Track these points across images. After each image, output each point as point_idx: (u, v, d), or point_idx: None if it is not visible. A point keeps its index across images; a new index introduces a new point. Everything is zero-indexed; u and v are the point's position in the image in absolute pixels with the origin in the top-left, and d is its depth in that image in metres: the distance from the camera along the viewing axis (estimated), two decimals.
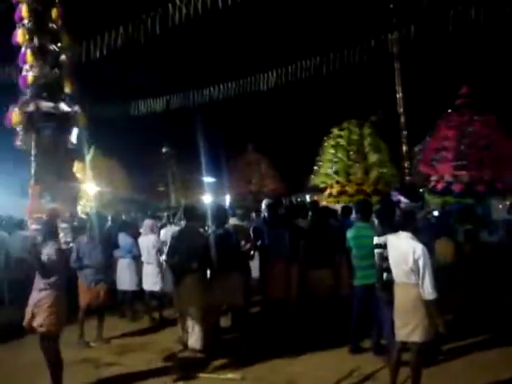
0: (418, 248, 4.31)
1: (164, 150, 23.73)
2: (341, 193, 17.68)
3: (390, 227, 4.89)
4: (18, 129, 9.71)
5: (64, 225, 8.57)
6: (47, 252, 4.98)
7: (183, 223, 6.91)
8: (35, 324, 4.93)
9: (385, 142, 19.54)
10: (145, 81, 22.66)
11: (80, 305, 6.93)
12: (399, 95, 19.53)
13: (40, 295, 4.94)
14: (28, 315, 4.97)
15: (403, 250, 4.39)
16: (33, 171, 9.77)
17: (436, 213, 11.34)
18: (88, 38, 10.94)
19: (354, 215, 8.26)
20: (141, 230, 8.74)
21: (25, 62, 9.42)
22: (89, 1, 9.46)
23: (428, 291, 4.25)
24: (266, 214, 7.81)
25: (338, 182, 18.16)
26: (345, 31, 19.33)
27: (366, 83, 22.52)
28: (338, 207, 10.68)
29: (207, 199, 22.66)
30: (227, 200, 25.11)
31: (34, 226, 9.02)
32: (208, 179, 24.93)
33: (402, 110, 19.49)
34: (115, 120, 12.99)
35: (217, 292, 6.26)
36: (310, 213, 8.41)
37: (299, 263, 6.87)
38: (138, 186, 20.06)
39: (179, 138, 24.28)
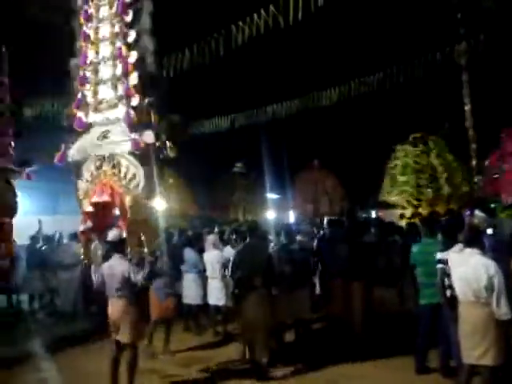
0: (491, 265, 4.15)
1: (238, 165, 24.09)
2: (414, 215, 17.02)
3: (456, 243, 4.72)
4: None
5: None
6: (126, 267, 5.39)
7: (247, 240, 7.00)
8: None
9: (455, 157, 18.82)
10: (210, 101, 23.28)
11: (151, 317, 7.18)
12: (467, 108, 18.91)
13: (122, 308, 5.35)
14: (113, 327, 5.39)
15: (473, 267, 4.23)
16: None
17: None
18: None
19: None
20: (205, 245, 8.98)
21: None
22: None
23: (504, 311, 4.08)
24: (326, 231, 7.81)
25: (408, 202, 17.49)
26: (410, 43, 18.97)
27: (433, 96, 21.90)
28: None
29: (271, 215, 22.81)
30: (291, 217, 25.12)
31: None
32: (272, 196, 25.07)
33: (470, 123, 18.85)
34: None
35: (284, 307, 6.34)
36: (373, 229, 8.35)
37: (364, 280, 6.77)
38: (205, 203, 20.54)
39: (245, 155, 24.68)
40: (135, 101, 9.27)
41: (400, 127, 20.16)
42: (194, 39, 12.88)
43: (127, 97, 9.34)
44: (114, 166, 9.37)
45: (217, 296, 8.22)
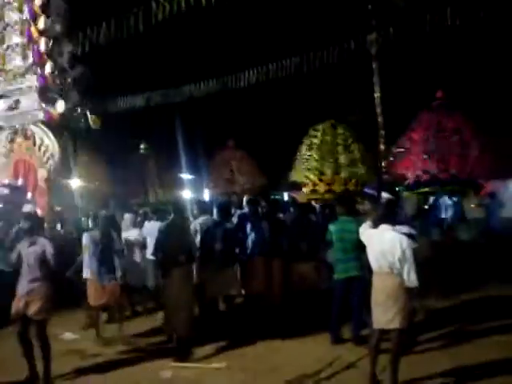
0: (404, 239, 4.55)
1: (142, 146, 23.63)
2: (312, 191, 18.12)
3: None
4: None
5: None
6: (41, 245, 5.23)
7: (170, 217, 6.99)
8: (30, 312, 5.11)
9: (362, 141, 19.85)
10: (125, 77, 22.50)
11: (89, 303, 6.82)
12: (377, 95, 19.90)
13: (33, 285, 5.16)
14: (20, 303, 5.15)
15: (389, 241, 4.59)
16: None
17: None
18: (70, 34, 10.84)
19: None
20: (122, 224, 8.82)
21: None
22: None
23: (412, 279, 4.50)
24: (247, 210, 7.97)
25: (321, 180, 18.46)
26: (325, 31, 19.56)
27: (346, 83, 22.80)
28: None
29: (187, 195, 22.67)
30: (206, 196, 25.15)
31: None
32: (186, 176, 24.90)
33: (379, 109, 19.87)
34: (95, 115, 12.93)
35: (213, 284, 6.47)
36: (291, 208, 8.65)
37: (282, 257, 7.03)
38: (115, 183, 19.92)
39: (158, 135, 24.23)
40: (48, 68, 8.79)
41: (314, 111, 20.83)
42: (113, 13, 12.35)
43: (37, 64, 8.83)
44: (27, 138, 8.88)
45: (136, 276, 8.14)
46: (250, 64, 17.93)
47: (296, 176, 19.45)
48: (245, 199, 8.96)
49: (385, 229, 4.68)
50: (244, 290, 7.43)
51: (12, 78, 9.09)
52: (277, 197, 20.99)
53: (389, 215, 4.89)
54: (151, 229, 8.35)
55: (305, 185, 18.83)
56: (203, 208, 7.55)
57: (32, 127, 8.85)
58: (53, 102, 8.82)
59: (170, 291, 6.20)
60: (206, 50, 25.01)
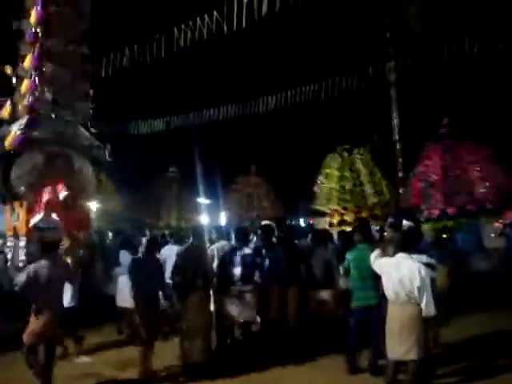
0: (423, 268, 4.50)
1: (170, 169, 23.88)
2: (340, 222, 17.71)
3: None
4: None
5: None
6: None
7: (189, 242, 7.03)
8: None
9: (380, 168, 19.80)
10: (147, 102, 22.99)
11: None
12: (395, 122, 19.95)
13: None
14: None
15: (407, 270, 4.55)
16: None
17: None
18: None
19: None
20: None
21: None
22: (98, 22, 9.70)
23: (430, 308, 4.44)
24: (260, 236, 7.97)
25: (346, 209, 18.17)
26: (344, 59, 19.77)
27: (364, 110, 22.92)
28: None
29: (204, 220, 22.79)
30: (222, 221, 25.20)
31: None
32: (203, 200, 25.04)
33: (397, 137, 19.90)
34: (118, 139, 13.19)
35: (231, 309, 6.44)
36: (309, 235, 8.64)
37: (299, 284, 7.00)
38: (137, 206, 20.18)
39: (179, 159, 24.52)
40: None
41: (332, 138, 20.91)
42: (136, 39, 12.73)
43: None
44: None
45: None
46: (269, 91, 18.18)
47: (317, 204, 19.25)
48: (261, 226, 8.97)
49: (402, 257, 4.65)
50: (259, 316, 7.37)
51: None
52: (293, 223, 21.01)
53: (407, 243, 4.87)
54: (169, 252, 8.42)
55: (331, 215, 18.51)
56: (221, 233, 7.59)
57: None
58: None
59: (186, 316, 6.20)
60: (227, 75, 25.38)
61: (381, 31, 20.05)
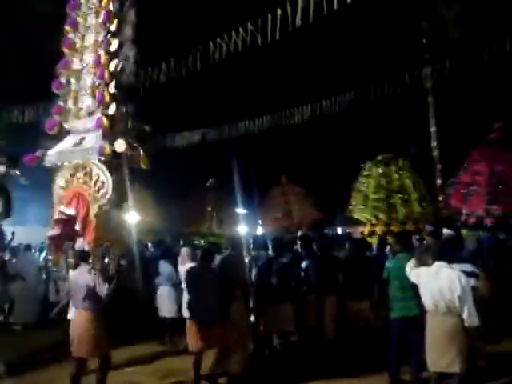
0: (463, 276, 4.40)
1: (210, 180, 24.17)
2: (387, 232, 17.30)
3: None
4: None
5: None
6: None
7: (227, 252, 7.10)
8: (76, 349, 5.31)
9: (419, 176, 19.40)
10: (183, 114, 23.37)
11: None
12: (433, 129, 19.62)
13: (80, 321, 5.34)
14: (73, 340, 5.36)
15: (446, 280, 4.46)
16: None
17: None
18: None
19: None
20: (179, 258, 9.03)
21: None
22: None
23: (473, 319, 4.32)
24: (300, 246, 7.97)
25: (378, 218, 17.83)
26: (380, 66, 19.63)
27: (400, 117, 22.61)
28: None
29: (242, 230, 22.88)
30: (259, 231, 25.25)
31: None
32: (241, 210, 25.16)
33: (435, 143, 19.55)
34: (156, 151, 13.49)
35: (269, 319, 6.45)
36: (346, 244, 8.58)
37: (337, 294, 6.96)
38: (174, 217, 20.50)
39: (216, 170, 24.76)
40: (111, 109, 9.31)
41: (368, 146, 20.70)
42: (172, 53, 13.04)
43: (103, 105, 9.38)
44: (85, 174, 9.37)
45: None
46: (305, 101, 18.20)
47: (353, 213, 19.01)
48: (298, 235, 9.00)
49: (440, 266, 4.56)
50: (297, 325, 7.35)
51: (82, 115, 9.70)
52: (329, 232, 20.86)
53: (446, 251, 4.78)
54: None
55: (372, 225, 18.22)
56: (259, 243, 7.64)
57: (90, 163, 9.34)
58: (113, 141, 9.27)
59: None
60: (261, 86, 25.53)
61: (417, 37, 19.83)
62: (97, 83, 9.53)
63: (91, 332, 5.29)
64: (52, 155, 9.76)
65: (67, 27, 10.05)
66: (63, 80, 9.99)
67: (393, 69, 17.63)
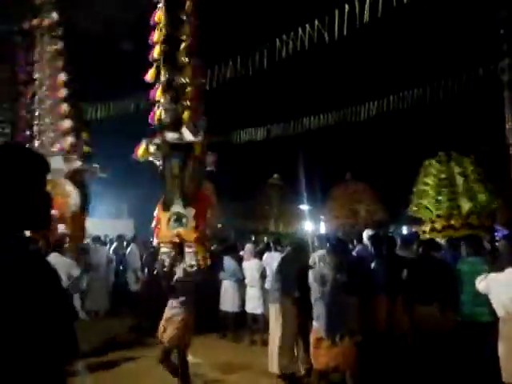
0: None
1: (275, 176, 24.31)
2: (445, 227, 16.71)
3: None
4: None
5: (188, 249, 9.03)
6: (178, 274, 5.55)
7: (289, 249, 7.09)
8: (164, 337, 5.45)
9: (492, 174, 18.46)
10: (249, 111, 23.60)
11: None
12: (508, 125, 18.64)
13: (171, 312, 5.48)
14: (160, 329, 5.52)
15: None
16: (162, 198, 10.29)
17: None
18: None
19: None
20: (241, 253, 9.16)
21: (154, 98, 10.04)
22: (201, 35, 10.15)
23: None
24: (369, 245, 7.79)
25: (438, 216, 17.21)
26: (452, 59, 18.88)
27: (471, 113, 21.63)
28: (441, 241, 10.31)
29: (306, 227, 22.86)
30: (322, 228, 25.10)
31: (163, 249, 9.67)
32: (304, 207, 25.10)
33: (511, 140, 18.57)
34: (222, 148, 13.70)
35: None
36: (414, 245, 8.32)
37: (404, 297, 6.75)
38: (239, 213, 20.79)
39: (279, 166, 24.86)
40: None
41: (438, 142, 19.96)
42: (239, 51, 13.20)
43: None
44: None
45: (254, 304, 8.34)
46: (371, 96, 17.84)
47: (413, 210, 18.42)
48: (365, 233, 8.81)
49: None
50: (363, 327, 7.19)
51: None
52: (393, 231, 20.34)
53: None
54: (270, 259, 8.57)
55: (431, 221, 17.65)
56: (322, 241, 7.56)
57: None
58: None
59: (283, 324, 6.22)
60: (327, 83, 25.29)
61: (494, 28, 18.85)
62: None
63: (176, 323, 5.46)
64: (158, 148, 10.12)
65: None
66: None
67: (466, 61, 16.91)
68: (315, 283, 5.06)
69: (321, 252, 7.22)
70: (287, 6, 19.83)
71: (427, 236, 15.75)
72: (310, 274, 5.21)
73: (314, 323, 5.09)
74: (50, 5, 12.10)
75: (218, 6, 13.77)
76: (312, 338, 5.08)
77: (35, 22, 12.00)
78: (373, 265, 6.98)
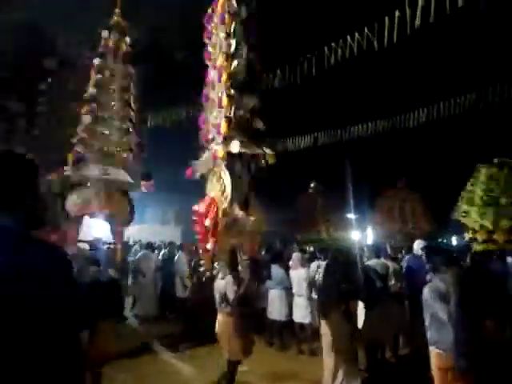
0: None
1: (312, 185, 24.17)
2: (487, 240, 15.98)
3: None
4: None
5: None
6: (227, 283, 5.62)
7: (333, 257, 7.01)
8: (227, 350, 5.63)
9: None
10: (296, 119, 23.59)
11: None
12: None
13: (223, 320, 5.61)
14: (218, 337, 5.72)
15: None
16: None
17: None
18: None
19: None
20: (290, 263, 9.10)
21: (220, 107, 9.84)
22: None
23: None
24: (424, 256, 7.59)
25: (481, 226, 16.44)
26: (506, 63, 18.21)
27: None
28: None
29: (354, 235, 22.56)
30: (369, 237, 24.68)
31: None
32: (351, 215, 24.79)
33: None
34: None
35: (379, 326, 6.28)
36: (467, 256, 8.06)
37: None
38: (285, 221, 20.76)
39: (325, 174, 24.67)
40: (227, 111, 9.47)
41: (490, 149, 19.28)
42: (288, 58, 13.25)
43: (221, 107, 9.59)
44: (217, 178, 9.69)
45: (302, 313, 8.30)
46: (421, 103, 17.48)
47: (460, 216, 17.70)
48: (416, 244, 8.63)
49: None
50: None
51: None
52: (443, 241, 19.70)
53: None
54: (314, 267, 8.55)
55: (474, 231, 16.96)
56: (374, 251, 7.46)
57: (220, 167, 9.64)
58: (228, 143, 9.47)
59: (329, 334, 6.12)
60: (376, 91, 24.98)
61: None
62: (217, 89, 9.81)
63: (226, 334, 5.58)
64: (200, 164, 10.26)
65: (206, 39, 10.51)
66: (206, 91, 10.47)
67: None
68: (435, 301, 4.31)
69: (374, 261, 7.14)
70: (336, 14, 19.76)
71: (484, 246, 15.14)
72: (427, 289, 4.53)
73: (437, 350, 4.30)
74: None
75: (266, 14, 13.87)
76: (437, 367, 4.27)
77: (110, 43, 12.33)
78: (428, 277, 6.77)
